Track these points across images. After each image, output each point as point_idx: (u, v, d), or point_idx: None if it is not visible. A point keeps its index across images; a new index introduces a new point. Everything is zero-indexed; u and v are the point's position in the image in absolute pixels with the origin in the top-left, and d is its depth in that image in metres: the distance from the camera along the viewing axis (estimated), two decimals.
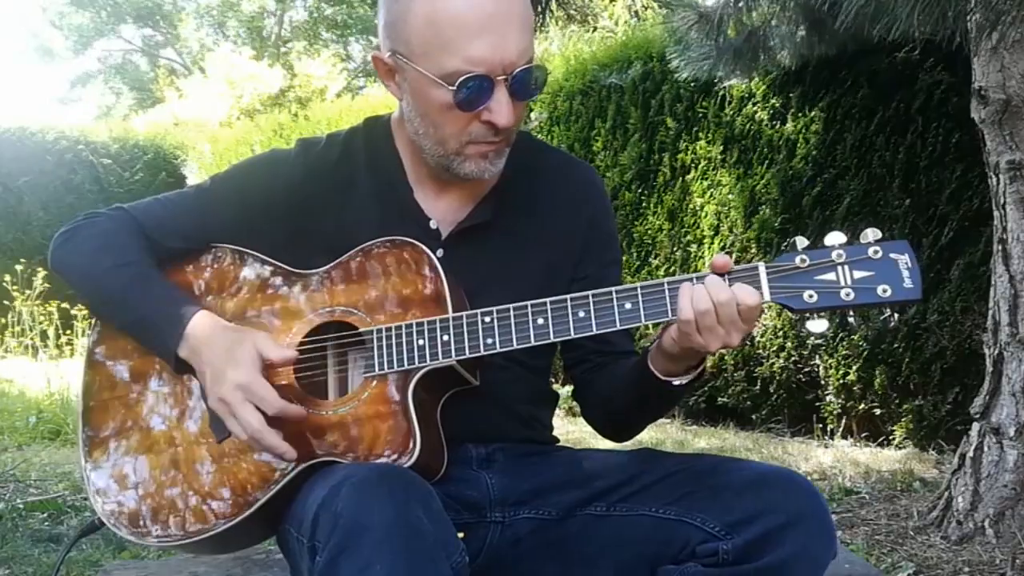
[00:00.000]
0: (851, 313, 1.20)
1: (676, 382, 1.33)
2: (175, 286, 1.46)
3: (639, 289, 1.25)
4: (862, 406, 4.45)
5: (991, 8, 2.17)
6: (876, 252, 1.19)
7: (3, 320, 7.01)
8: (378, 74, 1.41)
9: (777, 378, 4.73)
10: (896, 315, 1.20)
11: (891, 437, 4.36)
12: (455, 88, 1.29)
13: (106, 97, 28.34)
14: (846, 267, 1.19)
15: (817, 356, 4.56)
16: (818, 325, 1.21)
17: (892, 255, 1.18)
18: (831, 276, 1.20)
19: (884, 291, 1.17)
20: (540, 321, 1.28)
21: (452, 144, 1.36)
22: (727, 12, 3.53)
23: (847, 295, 1.19)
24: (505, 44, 1.28)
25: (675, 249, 5.19)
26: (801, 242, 1.22)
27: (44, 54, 28.99)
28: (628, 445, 1.54)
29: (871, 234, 1.20)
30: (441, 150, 1.38)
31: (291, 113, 10.20)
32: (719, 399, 5.06)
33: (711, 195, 4.98)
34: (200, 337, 1.35)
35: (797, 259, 1.21)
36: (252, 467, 1.36)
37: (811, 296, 1.20)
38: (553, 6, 3.84)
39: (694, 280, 1.23)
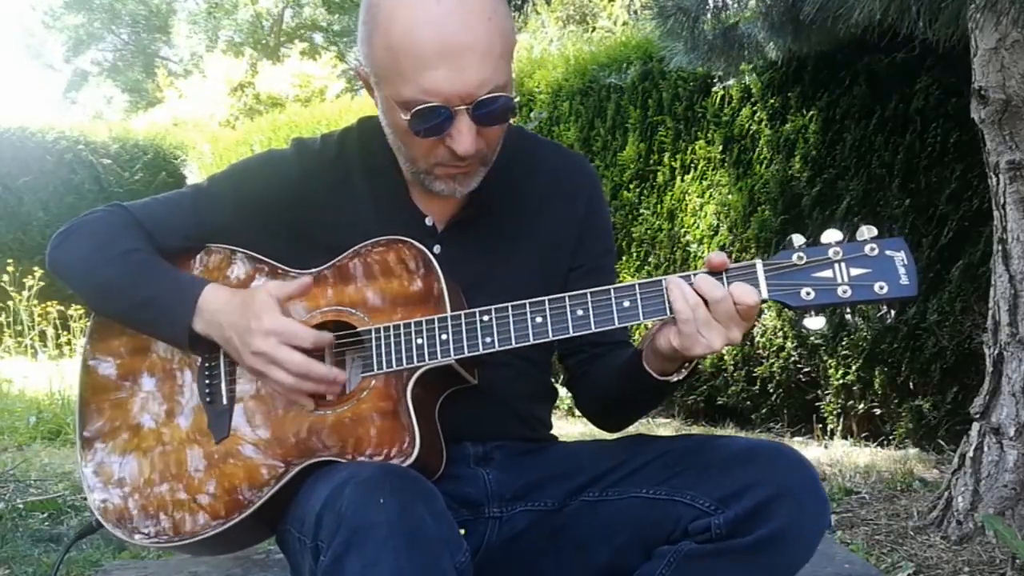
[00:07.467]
0: (848, 310, 1.21)
1: (674, 379, 1.33)
2: (179, 270, 1.46)
3: (637, 287, 1.25)
4: (862, 406, 4.44)
5: None
6: (872, 249, 1.19)
7: (2, 320, 7.00)
8: (362, 84, 1.41)
9: (777, 378, 4.72)
10: (893, 312, 1.20)
11: (891, 437, 4.36)
12: (409, 117, 1.27)
13: (97, 102, 28.33)
14: (843, 264, 1.20)
15: (817, 356, 4.56)
16: (816, 322, 1.21)
17: (888, 252, 1.19)
18: (828, 273, 1.20)
19: (881, 288, 1.18)
20: (539, 320, 1.28)
21: (421, 164, 1.37)
22: (703, 9, 3.53)
23: (844, 292, 1.19)
24: (462, 76, 1.24)
25: (674, 249, 5.18)
26: (798, 239, 1.22)
27: (37, 57, 29.01)
28: (622, 435, 1.55)
29: (867, 231, 1.20)
30: (412, 167, 1.39)
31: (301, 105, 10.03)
32: (718, 399, 5.05)
33: (710, 195, 4.97)
34: (214, 308, 1.36)
35: (794, 256, 1.21)
36: (250, 468, 1.36)
37: (808, 293, 1.20)
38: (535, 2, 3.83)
39: (691, 277, 1.23)
